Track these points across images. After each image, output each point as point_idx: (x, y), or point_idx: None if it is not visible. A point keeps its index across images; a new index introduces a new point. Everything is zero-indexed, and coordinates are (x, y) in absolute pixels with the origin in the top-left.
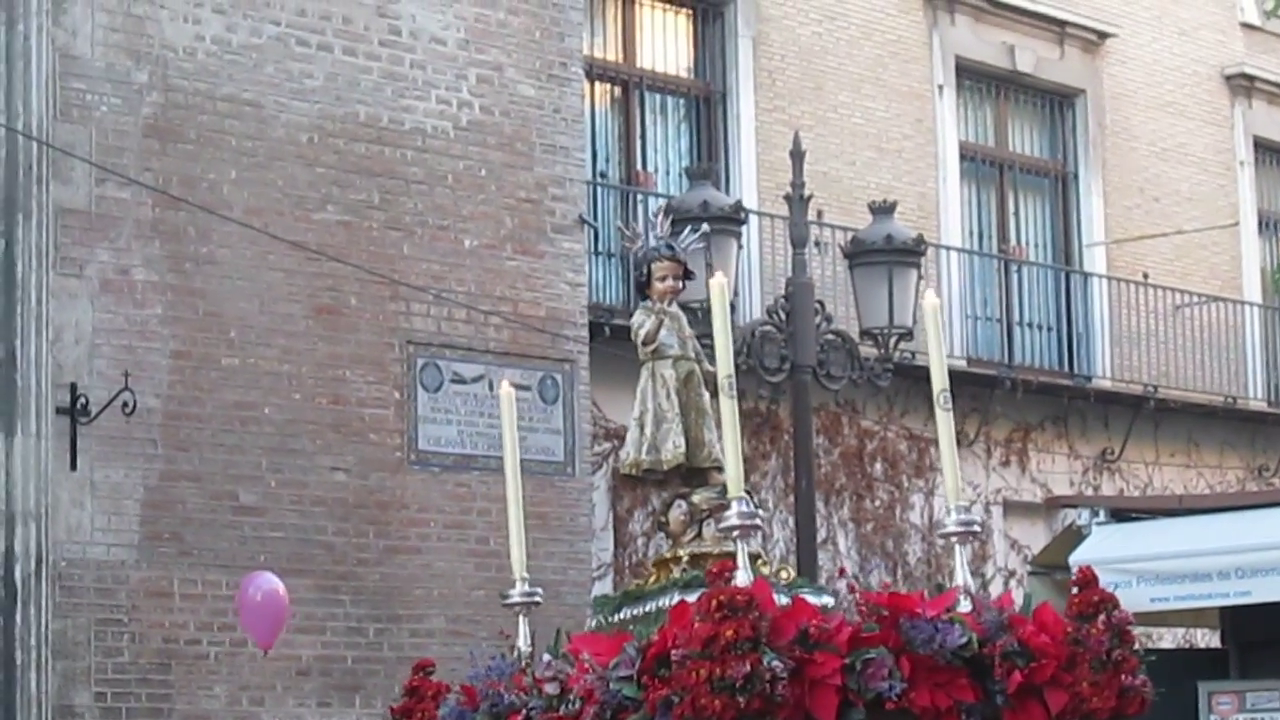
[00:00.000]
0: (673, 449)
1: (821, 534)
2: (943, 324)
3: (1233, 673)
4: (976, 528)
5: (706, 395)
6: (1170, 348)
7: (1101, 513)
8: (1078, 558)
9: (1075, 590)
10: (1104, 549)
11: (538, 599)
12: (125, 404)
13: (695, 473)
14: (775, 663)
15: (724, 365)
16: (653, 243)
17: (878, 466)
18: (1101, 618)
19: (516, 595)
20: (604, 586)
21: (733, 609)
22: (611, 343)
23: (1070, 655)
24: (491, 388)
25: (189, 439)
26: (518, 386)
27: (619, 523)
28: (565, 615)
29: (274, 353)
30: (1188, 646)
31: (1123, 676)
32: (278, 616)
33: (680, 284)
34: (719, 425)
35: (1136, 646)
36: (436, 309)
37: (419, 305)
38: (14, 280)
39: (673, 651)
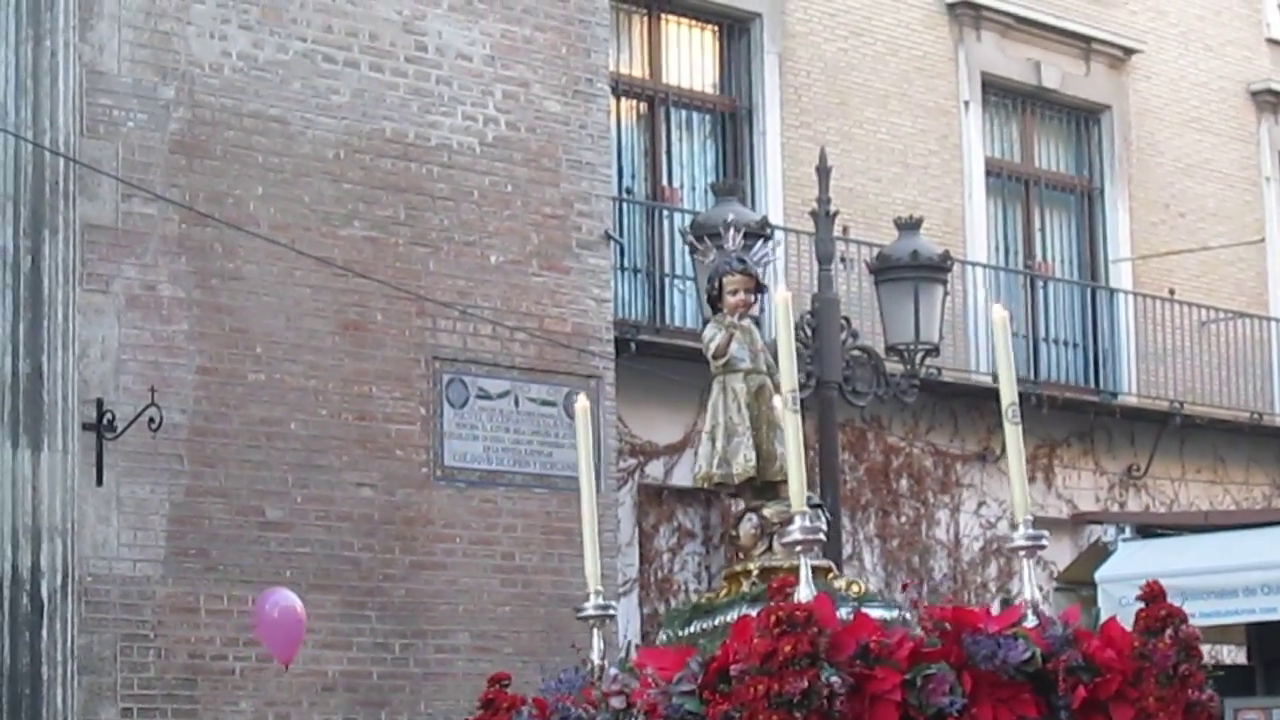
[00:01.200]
0: (743, 462)
1: (847, 550)
2: (1008, 339)
3: (1259, 689)
4: (1045, 542)
5: (779, 408)
6: (1196, 364)
7: (1127, 529)
8: (1104, 574)
9: (1142, 604)
10: (1129, 565)
11: (612, 612)
12: (151, 419)
13: (767, 486)
14: (833, 678)
15: (788, 379)
16: (724, 256)
17: (903, 483)
18: (1169, 632)
19: (591, 608)
20: (629, 602)
21: (792, 624)
22: (637, 359)
23: (1137, 670)
24: (518, 403)
25: (215, 454)
26: (543, 402)
27: (644, 538)
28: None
29: (300, 368)
30: (1214, 663)
31: (1190, 691)
32: (295, 632)
33: (752, 297)
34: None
35: (1205, 661)
36: (462, 324)
37: (445, 321)
38: (40, 296)
39: (732, 667)
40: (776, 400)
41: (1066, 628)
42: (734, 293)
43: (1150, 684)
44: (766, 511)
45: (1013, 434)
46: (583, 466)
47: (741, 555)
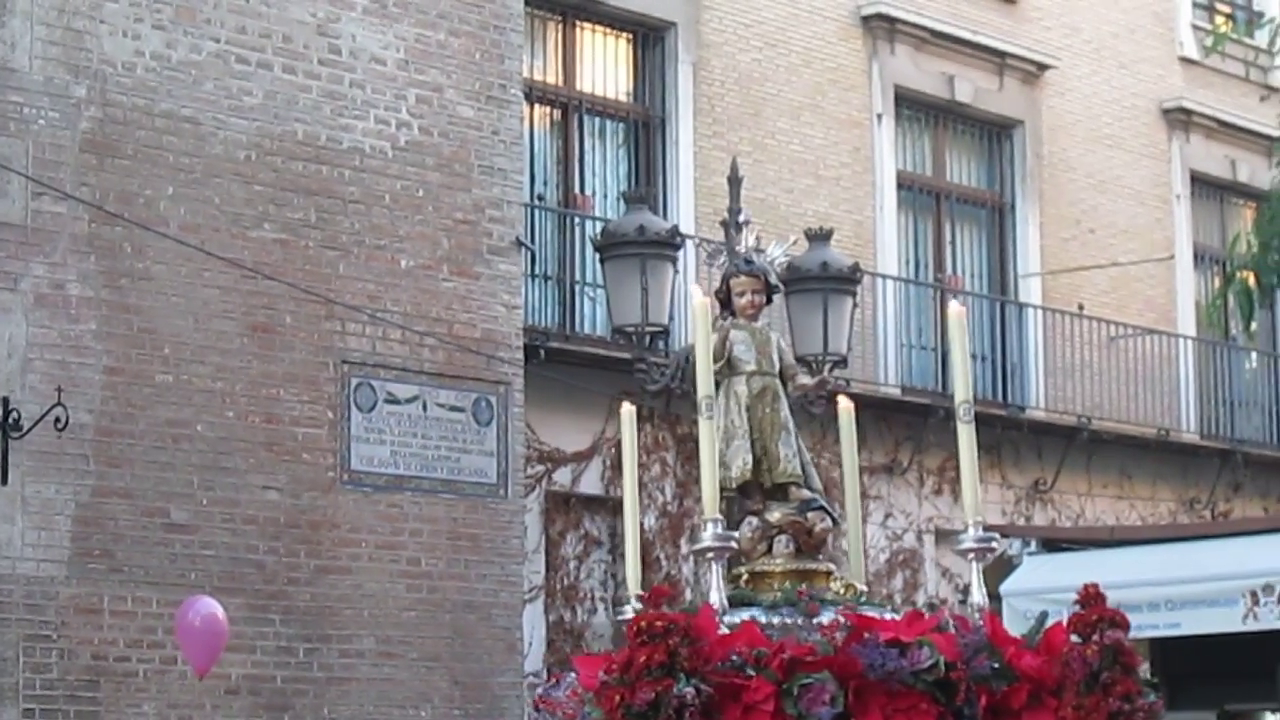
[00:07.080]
0: (741, 465)
1: None
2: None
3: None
4: (995, 545)
5: (785, 410)
6: (1104, 379)
7: (1033, 543)
8: (1008, 588)
9: (1078, 608)
10: (1034, 579)
11: None
12: (58, 419)
13: (774, 488)
14: (687, 689)
15: (703, 385)
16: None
17: None
18: (1095, 637)
19: (630, 611)
20: (535, 609)
21: (651, 634)
22: (546, 365)
23: (1061, 677)
24: (426, 408)
25: (121, 455)
26: (451, 408)
27: (551, 545)
28: (496, 638)
29: (208, 370)
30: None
31: (1112, 700)
32: (215, 642)
33: (762, 299)
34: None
35: (1140, 669)
36: (371, 329)
37: (354, 325)
38: None
39: (600, 676)
40: (783, 402)
41: (979, 634)
42: (742, 294)
43: (1070, 692)
44: (772, 515)
45: (965, 433)
46: (627, 474)
47: (742, 559)
